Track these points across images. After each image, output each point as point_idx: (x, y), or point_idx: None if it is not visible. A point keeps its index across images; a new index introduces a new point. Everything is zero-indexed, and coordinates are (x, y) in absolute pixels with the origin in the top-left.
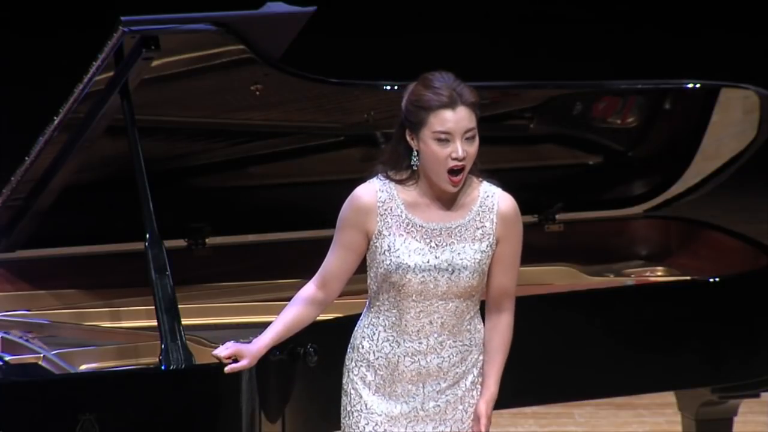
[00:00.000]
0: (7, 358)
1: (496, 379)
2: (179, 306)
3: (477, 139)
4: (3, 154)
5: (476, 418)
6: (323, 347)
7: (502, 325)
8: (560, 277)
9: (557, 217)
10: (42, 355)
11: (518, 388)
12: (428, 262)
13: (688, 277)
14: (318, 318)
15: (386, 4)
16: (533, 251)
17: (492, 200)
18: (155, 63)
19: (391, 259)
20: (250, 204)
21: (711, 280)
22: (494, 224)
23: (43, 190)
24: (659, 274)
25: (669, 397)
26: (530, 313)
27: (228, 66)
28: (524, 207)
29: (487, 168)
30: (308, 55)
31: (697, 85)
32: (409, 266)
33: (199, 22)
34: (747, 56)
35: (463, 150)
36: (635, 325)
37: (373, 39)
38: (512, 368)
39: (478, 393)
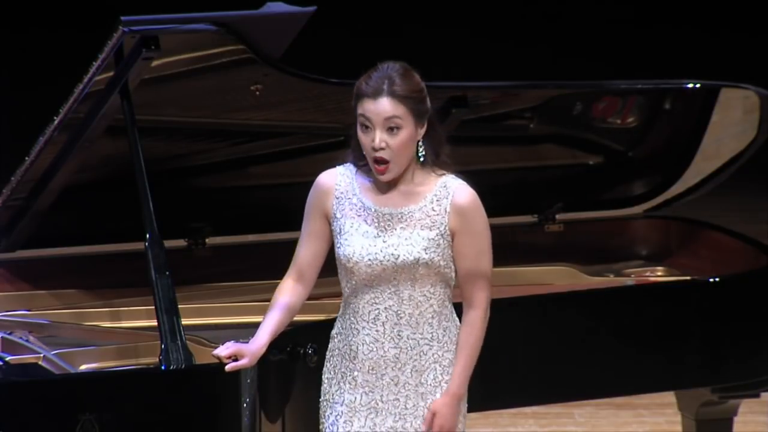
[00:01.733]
0: (7, 358)
1: (457, 378)
2: (179, 306)
3: (405, 131)
4: (3, 154)
5: (428, 414)
6: (323, 347)
7: (468, 321)
8: (560, 277)
9: (557, 217)
10: (42, 355)
11: (518, 388)
12: (375, 245)
13: (688, 277)
14: (317, 318)
15: (386, 3)
16: (533, 251)
17: (447, 191)
18: (155, 63)
19: (341, 242)
20: (250, 204)
21: (711, 280)
22: (447, 214)
23: (43, 190)
24: (659, 274)
25: (669, 397)
26: (530, 313)
27: (228, 66)
28: (524, 207)
29: (487, 168)
30: (308, 55)
31: (697, 85)
32: (355, 249)
33: (199, 22)
34: (747, 56)
35: (380, 140)
36: (635, 325)
37: (373, 39)
38: (512, 368)
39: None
